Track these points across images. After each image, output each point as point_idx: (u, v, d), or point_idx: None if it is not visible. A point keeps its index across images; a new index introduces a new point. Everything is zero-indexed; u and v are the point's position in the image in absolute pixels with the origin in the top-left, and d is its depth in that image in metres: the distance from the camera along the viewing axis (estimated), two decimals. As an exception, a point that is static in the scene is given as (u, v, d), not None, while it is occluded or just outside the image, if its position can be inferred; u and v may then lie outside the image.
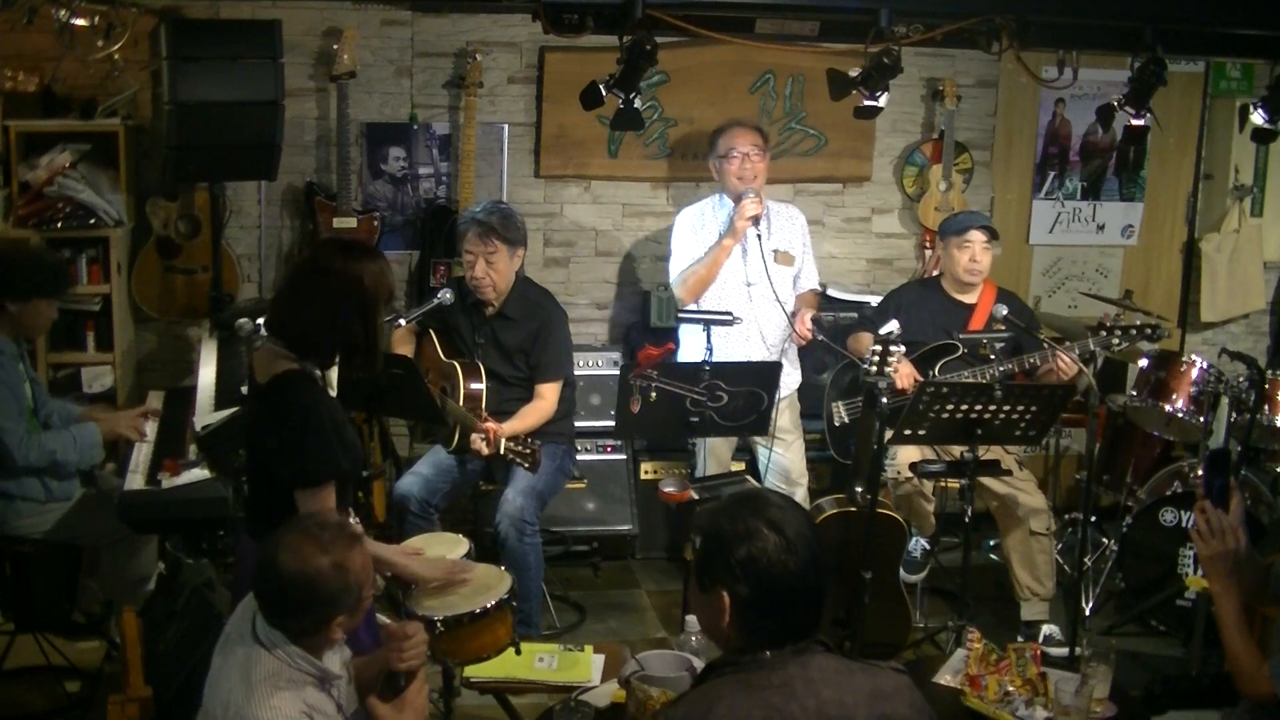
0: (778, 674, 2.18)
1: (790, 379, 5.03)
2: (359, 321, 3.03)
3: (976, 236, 4.91)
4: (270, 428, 3.03)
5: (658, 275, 5.76)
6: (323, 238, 5.28)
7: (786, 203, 5.35)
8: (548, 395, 4.76)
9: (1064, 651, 4.58)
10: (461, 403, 4.65)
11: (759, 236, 4.87)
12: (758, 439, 5.07)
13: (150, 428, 4.52)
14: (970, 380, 4.62)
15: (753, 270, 4.97)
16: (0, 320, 4.21)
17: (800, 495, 5.10)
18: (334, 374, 3.23)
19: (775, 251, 5.02)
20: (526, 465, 4.43)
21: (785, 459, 5.08)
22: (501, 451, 4.42)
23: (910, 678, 2.31)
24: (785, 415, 4.99)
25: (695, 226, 5.08)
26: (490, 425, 4.47)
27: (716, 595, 2.23)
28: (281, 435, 2.99)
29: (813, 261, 5.21)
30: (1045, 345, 4.71)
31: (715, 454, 5.11)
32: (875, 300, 5.44)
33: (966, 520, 4.42)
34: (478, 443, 4.45)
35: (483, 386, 4.72)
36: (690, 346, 4.98)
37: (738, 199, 4.91)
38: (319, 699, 2.59)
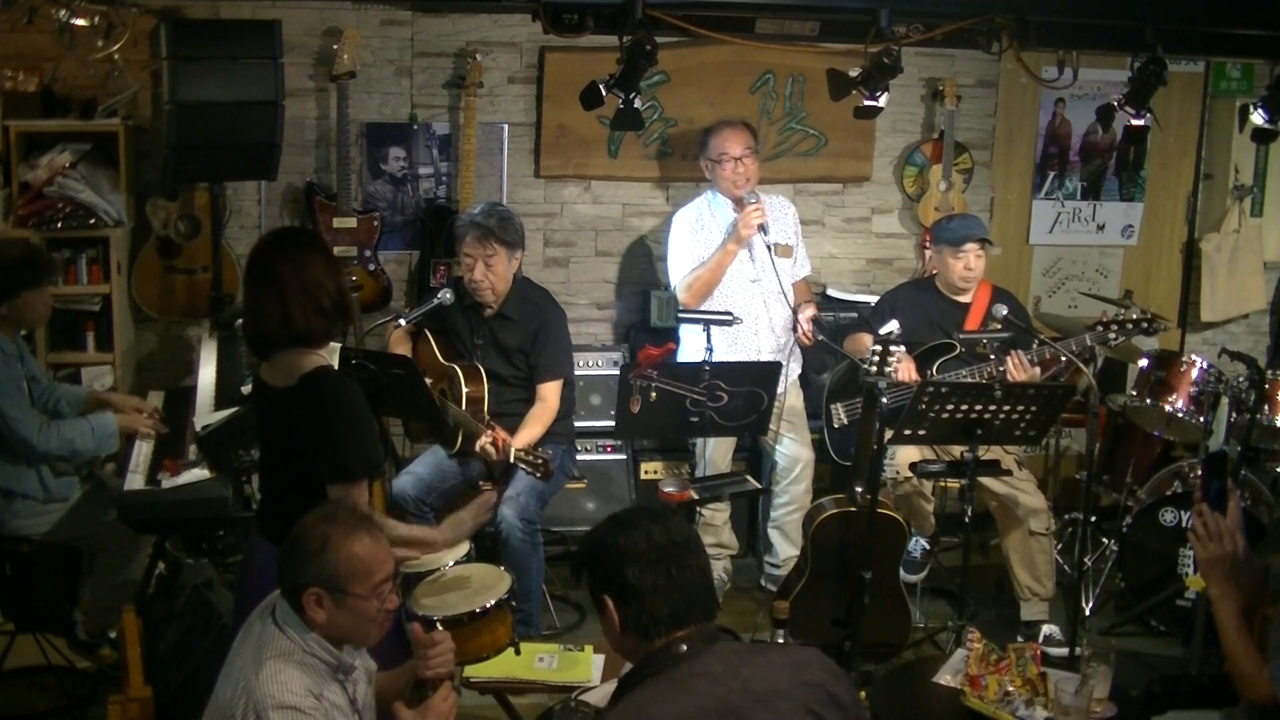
0: (697, 664, 2.25)
1: (791, 368, 5.04)
2: (280, 305, 3.05)
3: (972, 248, 4.92)
4: (305, 424, 3.03)
5: (658, 275, 5.76)
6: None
7: (774, 194, 5.31)
8: (549, 396, 4.75)
9: (1064, 651, 4.58)
10: (463, 406, 4.64)
11: (764, 232, 4.87)
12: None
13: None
14: (970, 380, 4.63)
15: (758, 268, 4.98)
16: None
17: (804, 488, 5.11)
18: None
19: (775, 245, 5.02)
20: (539, 475, 4.42)
21: (793, 445, 5.10)
22: (511, 460, 4.41)
23: (818, 650, 2.41)
24: (791, 400, 5.03)
25: (694, 228, 5.08)
26: (500, 434, 4.45)
27: (604, 604, 2.34)
28: (318, 431, 3.00)
29: (804, 247, 5.24)
30: (1041, 342, 4.71)
31: (716, 453, 5.11)
32: (875, 300, 5.44)
33: (966, 520, 4.42)
34: (487, 448, 4.44)
35: (484, 389, 4.71)
36: (691, 346, 4.98)
37: (738, 203, 4.92)
38: (331, 688, 2.59)
